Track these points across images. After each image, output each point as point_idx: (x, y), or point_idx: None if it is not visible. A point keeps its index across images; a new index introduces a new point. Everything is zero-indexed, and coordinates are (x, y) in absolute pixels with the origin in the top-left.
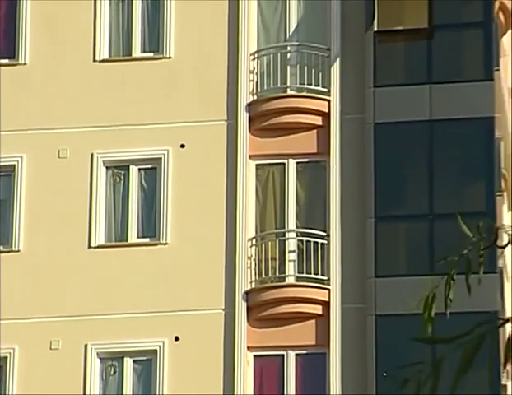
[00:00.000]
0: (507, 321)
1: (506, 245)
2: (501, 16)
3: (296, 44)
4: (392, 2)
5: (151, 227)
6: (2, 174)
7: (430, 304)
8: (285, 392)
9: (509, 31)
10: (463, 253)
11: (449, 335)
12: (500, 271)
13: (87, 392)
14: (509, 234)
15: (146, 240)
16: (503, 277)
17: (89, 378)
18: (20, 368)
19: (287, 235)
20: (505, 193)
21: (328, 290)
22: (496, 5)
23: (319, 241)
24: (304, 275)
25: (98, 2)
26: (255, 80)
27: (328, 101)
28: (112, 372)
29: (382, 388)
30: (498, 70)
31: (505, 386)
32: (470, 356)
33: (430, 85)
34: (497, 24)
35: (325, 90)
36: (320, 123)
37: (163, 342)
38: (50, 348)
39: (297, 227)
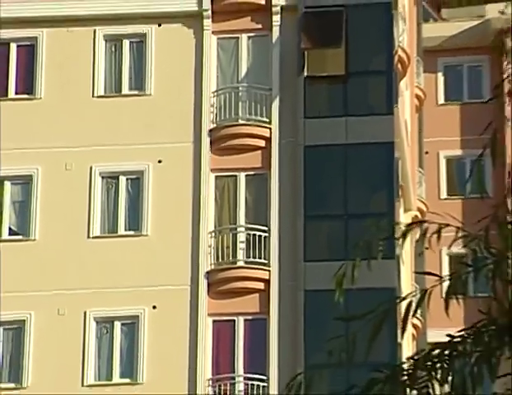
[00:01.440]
0: (404, 298)
1: (400, 238)
2: (400, 66)
3: (246, 85)
4: (317, 54)
5: (135, 223)
6: (22, 181)
7: (341, 280)
8: (235, 348)
9: (405, 78)
10: (366, 242)
11: (360, 312)
12: (397, 258)
13: (86, 347)
14: (402, 230)
15: (132, 232)
16: (399, 262)
17: (87, 337)
18: (35, 328)
19: (238, 230)
20: (401, 199)
21: (269, 271)
22: (396, 58)
23: (262, 234)
24: (251, 259)
25: (96, 52)
26: (215, 112)
27: (270, 129)
28: (105, 332)
29: (309, 342)
30: (397, 107)
31: (401, 344)
32: (377, 328)
33: (346, 117)
34: (396, 72)
35: (267, 120)
36: (264, 145)
37: (144, 310)
38: (58, 314)
39: (246, 223)
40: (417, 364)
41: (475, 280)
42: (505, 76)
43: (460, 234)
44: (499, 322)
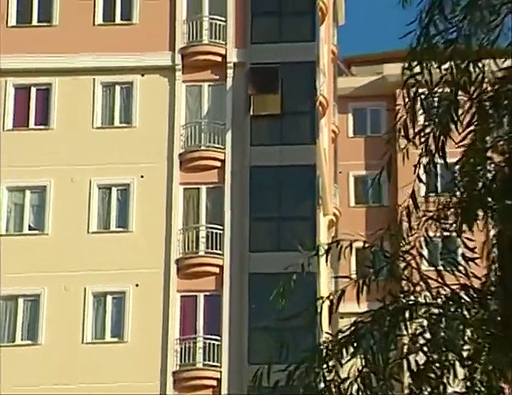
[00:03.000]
0: (328, 297)
1: (323, 254)
2: (320, 108)
3: (206, 120)
4: (260, 99)
5: (123, 222)
6: (39, 190)
7: (282, 293)
8: (197, 316)
9: (324, 117)
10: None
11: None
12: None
13: (85, 315)
14: (324, 248)
15: (121, 229)
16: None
17: (86, 307)
18: (47, 300)
19: (200, 228)
20: (321, 207)
21: (223, 259)
22: (318, 102)
23: (218, 231)
24: (209, 250)
25: (95, 95)
26: (183, 140)
27: (224, 153)
28: (100, 304)
29: (252, 313)
30: (318, 138)
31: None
32: (311, 321)
33: (281, 146)
34: (318, 113)
35: (222, 147)
36: (219, 166)
37: (129, 287)
38: (64, 289)
39: (206, 223)
40: (331, 347)
41: (375, 278)
42: (398, 117)
43: (364, 243)
44: (392, 308)
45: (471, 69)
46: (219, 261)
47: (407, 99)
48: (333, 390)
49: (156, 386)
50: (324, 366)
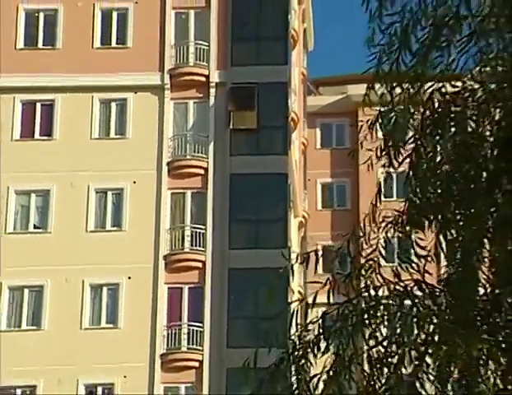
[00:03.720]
0: (301, 302)
1: (302, 262)
2: (292, 123)
3: (191, 133)
4: (239, 114)
5: (117, 221)
6: (43, 194)
7: (270, 298)
8: (182, 306)
9: (295, 131)
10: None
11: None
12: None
13: (83, 304)
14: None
15: (115, 228)
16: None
17: (84, 297)
18: (50, 290)
19: (185, 228)
20: (292, 209)
21: (205, 255)
22: (290, 118)
23: (201, 231)
24: (193, 247)
25: (93, 110)
26: (171, 150)
27: (207, 162)
28: (97, 295)
29: (231, 303)
30: (290, 150)
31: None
32: (290, 323)
33: (258, 156)
34: (290, 127)
35: (205, 156)
36: (203, 173)
37: (122, 279)
38: (65, 281)
39: (190, 224)
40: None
41: (344, 281)
42: (362, 131)
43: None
44: (357, 305)
45: (421, 91)
46: (202, 257)
47: (368, 117)
48: (303, 388)
49: (146, 366)
50: (293, 368)
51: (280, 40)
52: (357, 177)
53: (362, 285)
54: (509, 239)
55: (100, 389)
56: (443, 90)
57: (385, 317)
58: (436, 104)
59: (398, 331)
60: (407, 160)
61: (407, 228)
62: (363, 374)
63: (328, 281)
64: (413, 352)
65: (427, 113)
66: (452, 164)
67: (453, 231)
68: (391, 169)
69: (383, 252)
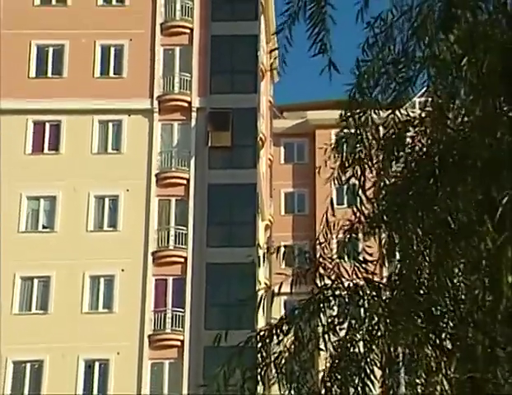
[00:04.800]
0: (267, 291)
1: (270, 254)
2: (260, 142)
3: (176, 149)
4: (216, 134)
5: (113, 223)
6: (50, 199)
7: (261, 302)
8: (167, 294)
9: (263, 149)
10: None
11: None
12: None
13: (83, 292)
14: (264, 250)
15: (111, 229)
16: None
17: (84, 287)
18: (56, 280)
19: (170, 229)
20: (260, 214)
21: (186, 251)
22: (258, 138)
23: (183, 232)
24: (177, 245)
25: (93, 130)
26: (159, 163)
27: (189, 174)
28: (95, 284)
29: (208, 292)
30: (258, 164)
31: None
32: (256, 311)
33: (232, 169)
34: (259, 146)
35: (187, 169)
36: (185, 183)
37: (117, 271)
38: (69, 273)
39: (174, 225)
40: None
41: (304, 276)
42: (324, 149)
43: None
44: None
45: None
46: (184, 253)
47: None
48: (267, 363)
49: (136, 345)
50: (259, 346)
51: (251, 73)
52: (314, 187)
53: (319, 279)
54: (444, 240)
55: (97, 364)
56: (394, 116)
57: (338, 306)
58: (386, 129)
59: (349, 318)
60: (356, 174)
61: (359, 234)
62: (318, 355)
63: (292, 274)
64: (364, 336)
65: (377, 136)
66: (398, 178)
67: (395, 236)
68: (343, 182)
69: (336, 254)
